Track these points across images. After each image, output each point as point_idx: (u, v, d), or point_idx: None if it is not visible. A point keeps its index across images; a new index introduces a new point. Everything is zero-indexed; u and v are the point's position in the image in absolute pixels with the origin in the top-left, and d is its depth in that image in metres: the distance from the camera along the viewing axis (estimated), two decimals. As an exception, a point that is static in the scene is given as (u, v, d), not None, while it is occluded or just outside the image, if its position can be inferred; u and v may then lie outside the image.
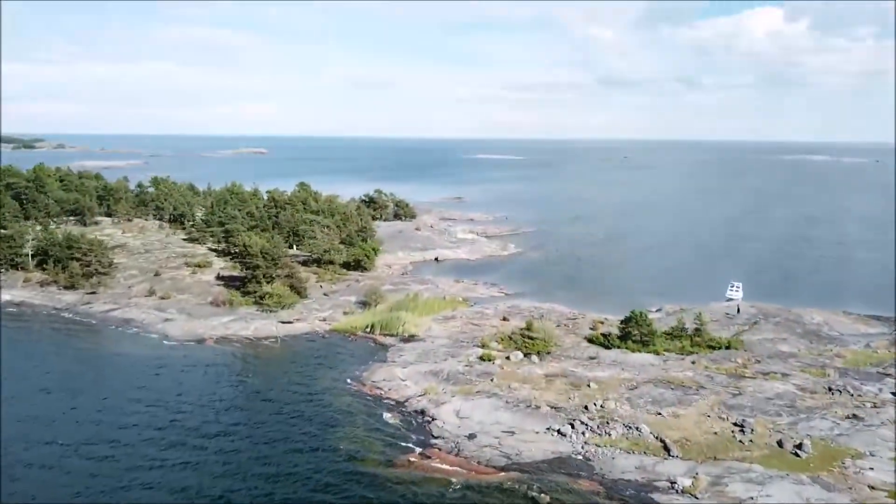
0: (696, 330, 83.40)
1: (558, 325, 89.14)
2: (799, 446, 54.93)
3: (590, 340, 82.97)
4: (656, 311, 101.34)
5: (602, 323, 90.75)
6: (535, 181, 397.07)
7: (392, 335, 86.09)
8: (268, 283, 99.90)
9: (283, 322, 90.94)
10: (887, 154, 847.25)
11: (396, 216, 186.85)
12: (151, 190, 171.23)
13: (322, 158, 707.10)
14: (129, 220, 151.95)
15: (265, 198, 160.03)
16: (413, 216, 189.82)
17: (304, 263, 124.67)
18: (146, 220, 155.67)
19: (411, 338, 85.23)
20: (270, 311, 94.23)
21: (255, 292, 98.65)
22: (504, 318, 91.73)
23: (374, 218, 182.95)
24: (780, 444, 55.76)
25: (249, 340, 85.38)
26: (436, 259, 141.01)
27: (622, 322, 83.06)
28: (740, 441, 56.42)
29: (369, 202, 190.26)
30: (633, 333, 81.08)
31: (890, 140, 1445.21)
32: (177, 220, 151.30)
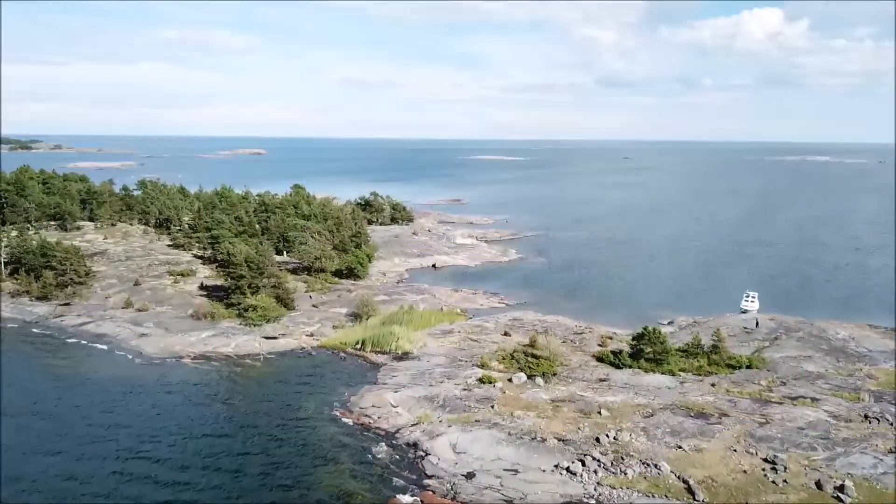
0: (714, 347, 76.98)
1: (564, 341, 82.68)
2: (840, 488, 48.51)
3: (599, 359, 76.51)
4: (668, 323, 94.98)
5: (611, 338, 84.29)
6: (535, 183, 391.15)
7: (384, 352, 79.62)
8: (252, 294, 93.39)
9: (267, 338, 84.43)
10: (888, 154, 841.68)
11: (393, 220, 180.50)
12: (138, 193, 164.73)
13: (321, 159, 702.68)
14: (113, 225, 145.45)
15: (256, 201, 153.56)
16: (410, 220, 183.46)
17: (294, 271, 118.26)
18: (131, 224, 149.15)
19: (405, 355, 78.75)
20: (254, 326, 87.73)
21: (239, 304, 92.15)
22: (505, 333, 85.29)
23: (369, 222, 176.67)
24: (818, 485, 49.30)
25: (230, 358, 78.81)
26: (433, 266, 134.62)
27: (634, 339, 76.63)
28: (773, 481, 49.95)
29: (365, 205, 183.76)
30: (646, 351, 74.65)
31: (890, 141, 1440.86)
32: (162, 225, 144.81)
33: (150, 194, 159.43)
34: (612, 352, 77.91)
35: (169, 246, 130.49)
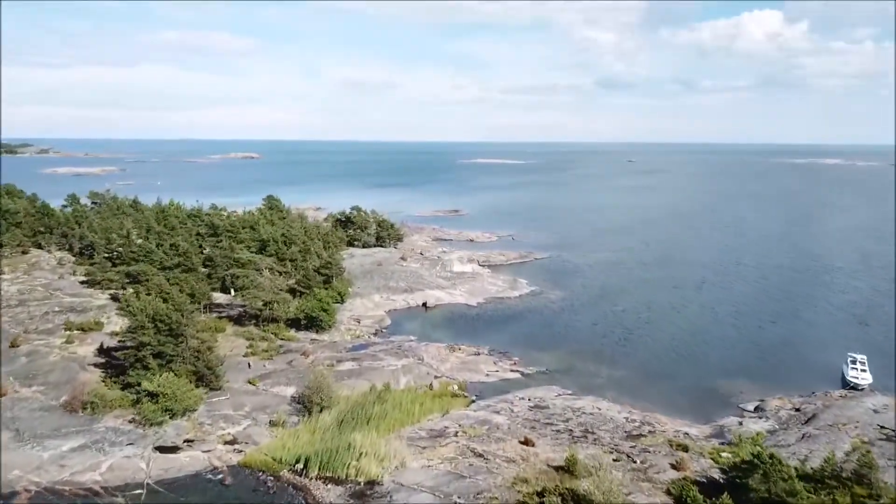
0: (859, 475, 48.39)
1: (616, 457, 53.95)
2: None
3: (679, 500, 47.73)
4: (755, 410, 66.43)
5: (685, 449, 55.53)
6: (539, 188, 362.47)
7: (337, 480, 50.96)
8: (161, 367, 64.76)
9: (164, 448, 55.68)
10: (890, 156, 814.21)
11: (379, 239, 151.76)
12: (68, 210, 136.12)
13: (316, 162, 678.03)
14: (24, 253, 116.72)
15: (205, 221, 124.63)
16: (399, 239, 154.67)
17: (237, 319, 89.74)
18: (49, 251, 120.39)
19: (370, 487, 50.06)
20: (152, 425, 58.97)
21: (138, 385, 63.41)
22: (526, 441, 56.45)
23: (350, 242, 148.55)
24: None
25: (92, 495, 50.10)
26: (424, 305, 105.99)
27: (736, 469, 48.07)
28: None
29: (345, 222, 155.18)
30: (758, 490, 46.02)
31: (890, 142, 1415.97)
32: (84, 253, 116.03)
33: (80, 212, 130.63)
34: (698, 483, 49.21)
35: (83, 283, 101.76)
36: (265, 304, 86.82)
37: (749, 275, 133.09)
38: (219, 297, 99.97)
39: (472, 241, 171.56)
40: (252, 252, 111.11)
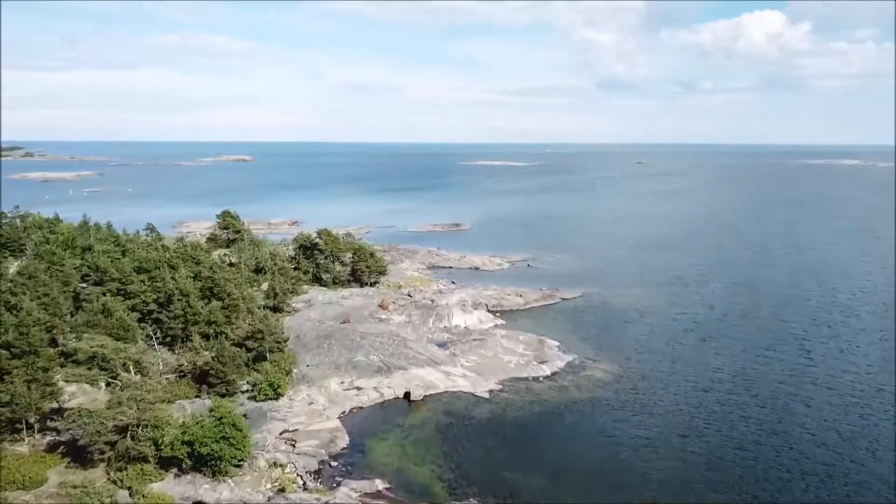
0: None
1: None
2: None
3: None
4: None
5: None
6: (549, 194, 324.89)
7: None
8: None
9: None
10: (891, 156, 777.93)
11: (355, 273, 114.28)
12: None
13: (310, 165, 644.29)
14: None
15: (93, 259, 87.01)
16: (382, 272, 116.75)
17: (82, 451, 52.28)
18: None
19: None
20: None
21: None
22: None
23: (317, 277, 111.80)
24: None
25: None
26: (406, 396, 68.48)
27: None
28: None
29: (310, 249, 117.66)
30: None
31: (890, 143, 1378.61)
32: None
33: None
34: None
35: None
36: (122, 432, 49.32)
37: (864, 324, 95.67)
38: (79, 396, 62.65)
39: (476, 269, 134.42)
40: (151, 310, 74.06)
